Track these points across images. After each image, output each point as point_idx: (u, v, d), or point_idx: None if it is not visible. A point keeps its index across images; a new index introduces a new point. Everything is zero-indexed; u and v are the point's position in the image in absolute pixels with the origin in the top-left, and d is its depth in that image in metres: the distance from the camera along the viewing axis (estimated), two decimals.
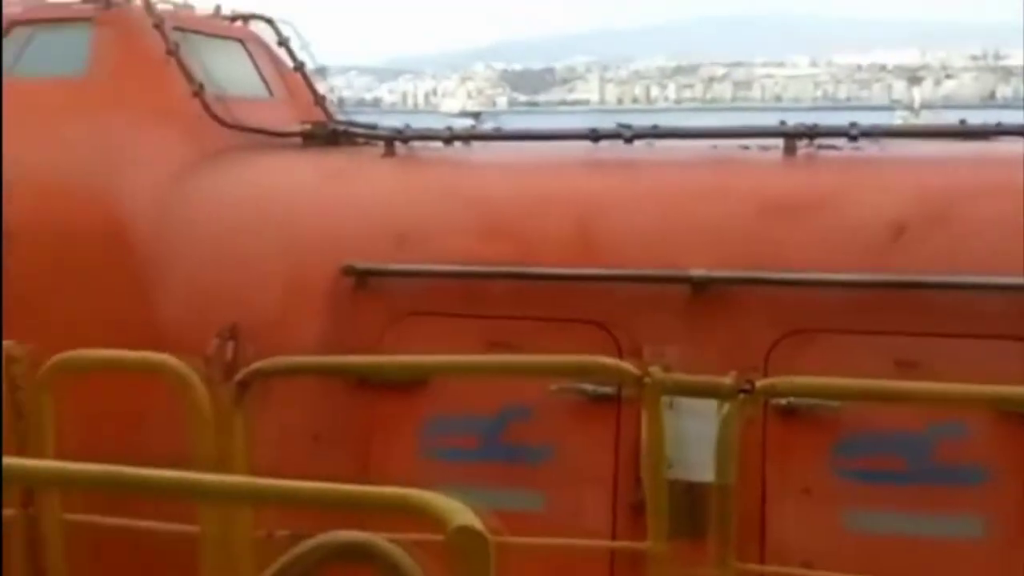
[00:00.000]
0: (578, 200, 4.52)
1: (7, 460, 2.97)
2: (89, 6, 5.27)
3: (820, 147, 4.85)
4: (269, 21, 6.55)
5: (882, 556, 3.76)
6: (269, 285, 4.49)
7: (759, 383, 3.19)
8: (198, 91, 5.09)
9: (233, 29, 6.33)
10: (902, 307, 3.94)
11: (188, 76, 5.09)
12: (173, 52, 5.11)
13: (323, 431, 4.26)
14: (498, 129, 5.30)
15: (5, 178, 4.73)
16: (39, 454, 3.44)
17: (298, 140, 5.49)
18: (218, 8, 6.37)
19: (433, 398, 4.14)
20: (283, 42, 6.53)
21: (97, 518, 3.50)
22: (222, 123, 5.11)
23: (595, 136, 4.90)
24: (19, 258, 4.64)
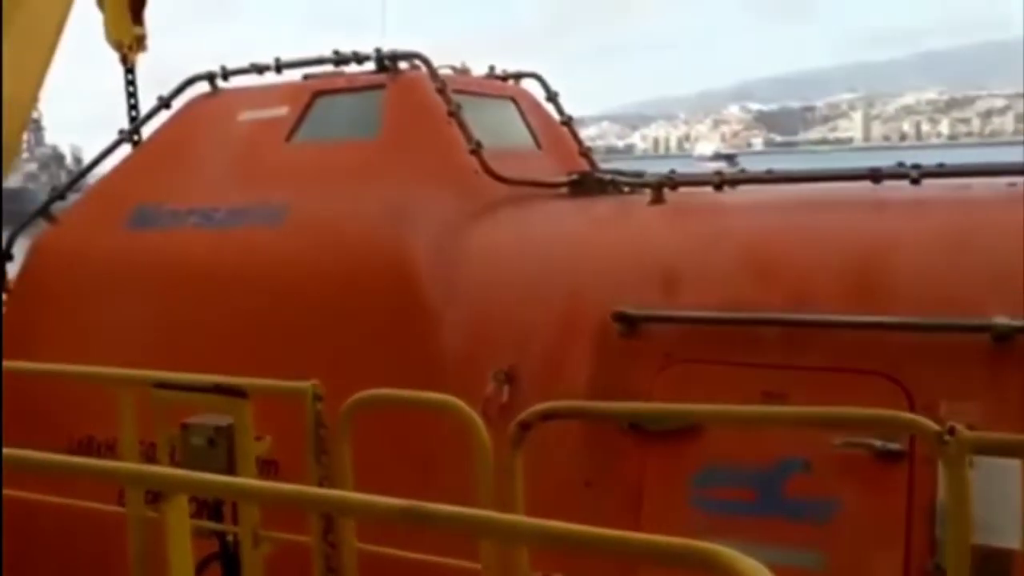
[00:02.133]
0: (860, 241, 4.29)
1: (316, 490, 3.26)
2: (381, 75, 5.76)
3: None
4: (539, 78, 6.86)
5: None
6: (542, 330, 4.61)
7: None
8: (476, 149, 5.40)
9: (505, 88, 6.68)
10: None
11: (467, 135, 5.42)
12: (454, 113, 5.47)
13: (595, 477, 4.29)
14: (770, 171, 5.16)
15: (316, 229, 5.23)
16: (342, 486, 3.73)
17: (566, 190, 5.67)
18: (492, 68, 6.75)
19: (706, 447, 4.05)
20: (551, 97, 6.80)
21: (389, 549, 3.72)
22: (497, 178, 5.38)
23: (877, 176, 4.66)
24: (313, 300, 5.08)
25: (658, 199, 5.10)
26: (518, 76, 6.92)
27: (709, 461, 4.04)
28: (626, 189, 5.75)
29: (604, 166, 6.75)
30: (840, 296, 4.08)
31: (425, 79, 5.63)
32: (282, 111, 5.82)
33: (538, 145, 6.41)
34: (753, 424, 3.70)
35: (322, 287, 5.09)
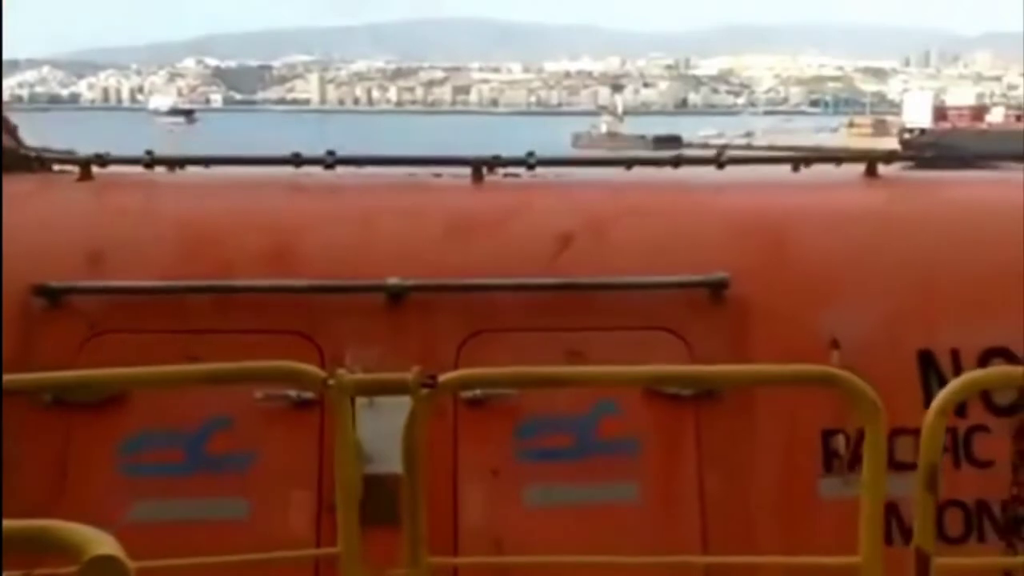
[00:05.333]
0: (278, 219, 4.77)
1: None
2: None
3: (505, 175, 5.42)
4: None
5: (558, 527, 4.28)
6: None
7: (442, 377, 3.52)
8: None
9: None
10: (567, 306, 4.53)
11: None
12: None
13: (15, 456, 4.16)
14: (211, 157, 5.46)
15: None
16: None
17: None
18: None
19: (132, 414, 4.19)
20: None
21: None
22: None
23: (298, 161, 5.16)
24: None
25: (87, 176, 5.05)
26: None
27: (137, 427, 4.18)
28: (55, 168, 5.51)
29: (32, 144, 6.28)
30: (260, 266, 4.48)
31: None
32: None
33: None
34: (168, 387, 3.90)
35: None
